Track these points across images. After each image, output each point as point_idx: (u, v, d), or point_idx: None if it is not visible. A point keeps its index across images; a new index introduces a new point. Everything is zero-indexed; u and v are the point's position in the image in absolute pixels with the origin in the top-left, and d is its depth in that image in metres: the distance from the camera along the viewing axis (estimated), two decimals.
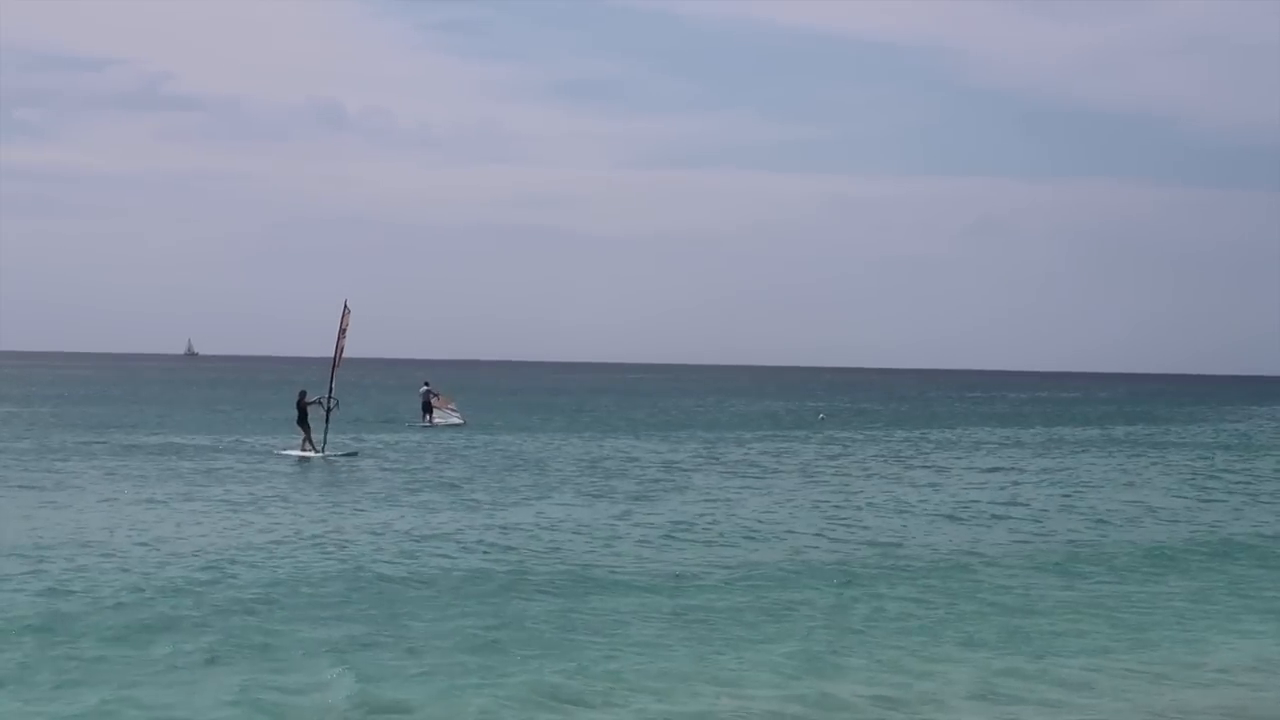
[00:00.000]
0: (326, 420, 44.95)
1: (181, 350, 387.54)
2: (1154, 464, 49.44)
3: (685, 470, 42.58)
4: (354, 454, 45.30)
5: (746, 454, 50.38)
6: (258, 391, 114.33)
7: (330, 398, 44.69)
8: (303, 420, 45.24)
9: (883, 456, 50.46)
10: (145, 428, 58.98)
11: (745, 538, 26.99)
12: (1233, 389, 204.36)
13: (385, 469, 40.92)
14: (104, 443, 49.17)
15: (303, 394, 45.58)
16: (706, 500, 33.70)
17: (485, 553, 24.35)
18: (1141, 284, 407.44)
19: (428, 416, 64.20)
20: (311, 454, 44.26)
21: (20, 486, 33.92)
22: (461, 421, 63.90)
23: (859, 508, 32.76)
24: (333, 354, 46.17)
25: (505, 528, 27.67)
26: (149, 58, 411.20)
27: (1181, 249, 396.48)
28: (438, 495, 33.60)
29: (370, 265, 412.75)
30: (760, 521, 29.56)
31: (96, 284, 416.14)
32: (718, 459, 47.65)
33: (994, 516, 31.57)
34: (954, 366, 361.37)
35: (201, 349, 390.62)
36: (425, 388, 67.44)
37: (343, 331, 45.57)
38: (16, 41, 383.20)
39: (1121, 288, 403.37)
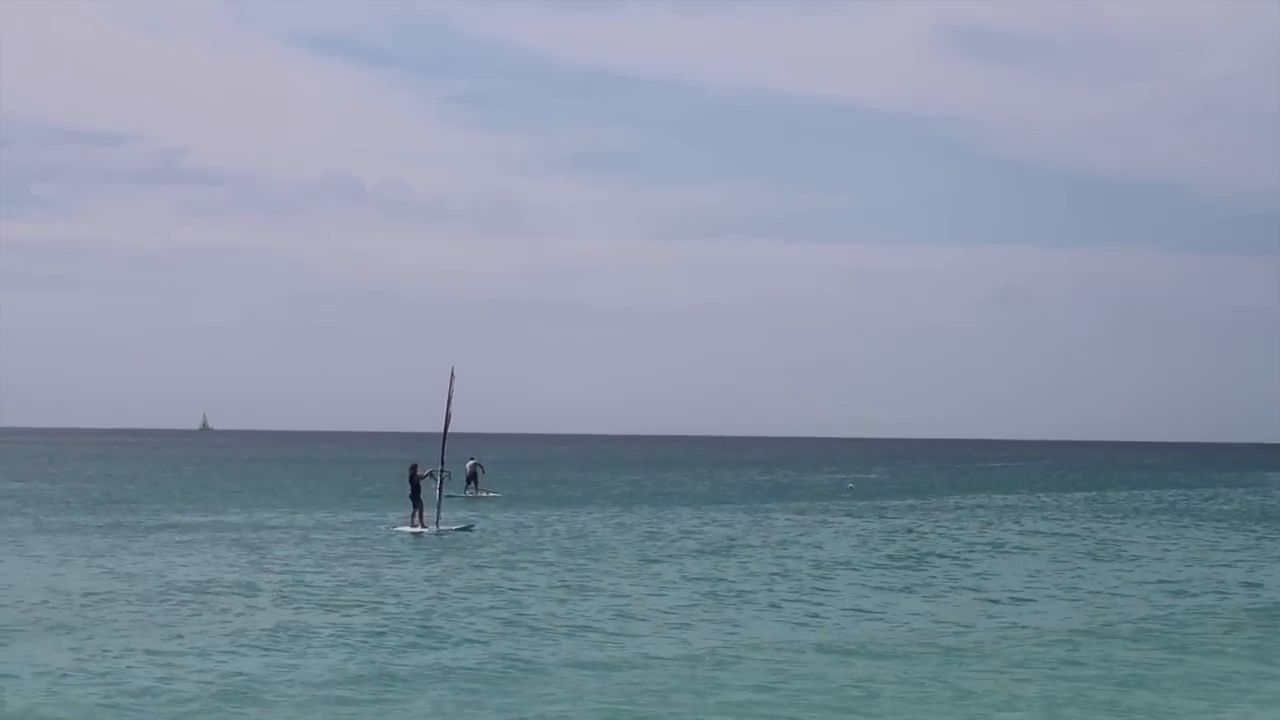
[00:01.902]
0: (440, 494, 44.35)
1: (196, 425, 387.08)
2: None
3: (790, 538, 41.99)
4: (469, 528, 44.60)
5: (792, 522, 49.72)
6: (320, 467, 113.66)
7: (443, 470, 44.16)
8: (415, 494, 44.49)
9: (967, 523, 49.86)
10: (237, 507, 57.54)
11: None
12: (1264, 456, 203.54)
13: (511, 543, 40.32)
14: (212, 522, 48.53)
15: (414, 467, 44.90)
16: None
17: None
18: (1161, 350, 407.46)
19: (471, 486, 66.06)
20: (423, 529, 43.57)
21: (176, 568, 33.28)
22: (497, 494, 65.67)
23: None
24: (442, 425, 45.53)
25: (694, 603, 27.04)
26: (166, 132, 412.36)
27: (1201, 315, 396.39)
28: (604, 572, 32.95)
29: (388, 339, 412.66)
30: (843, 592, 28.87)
31: (112, 359, 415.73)
32: (768, 524, 47.02)
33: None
34: (973, 436, 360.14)
35: (215, 424, 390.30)
36: (472, 461, 69.03)
37: (450, 401, 45.06)
38: (33, 117, 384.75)
39: (1142, 354, 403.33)
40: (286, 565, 33.57)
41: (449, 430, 45.06)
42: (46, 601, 26.74)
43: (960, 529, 48.29)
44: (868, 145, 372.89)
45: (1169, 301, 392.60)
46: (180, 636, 22.68)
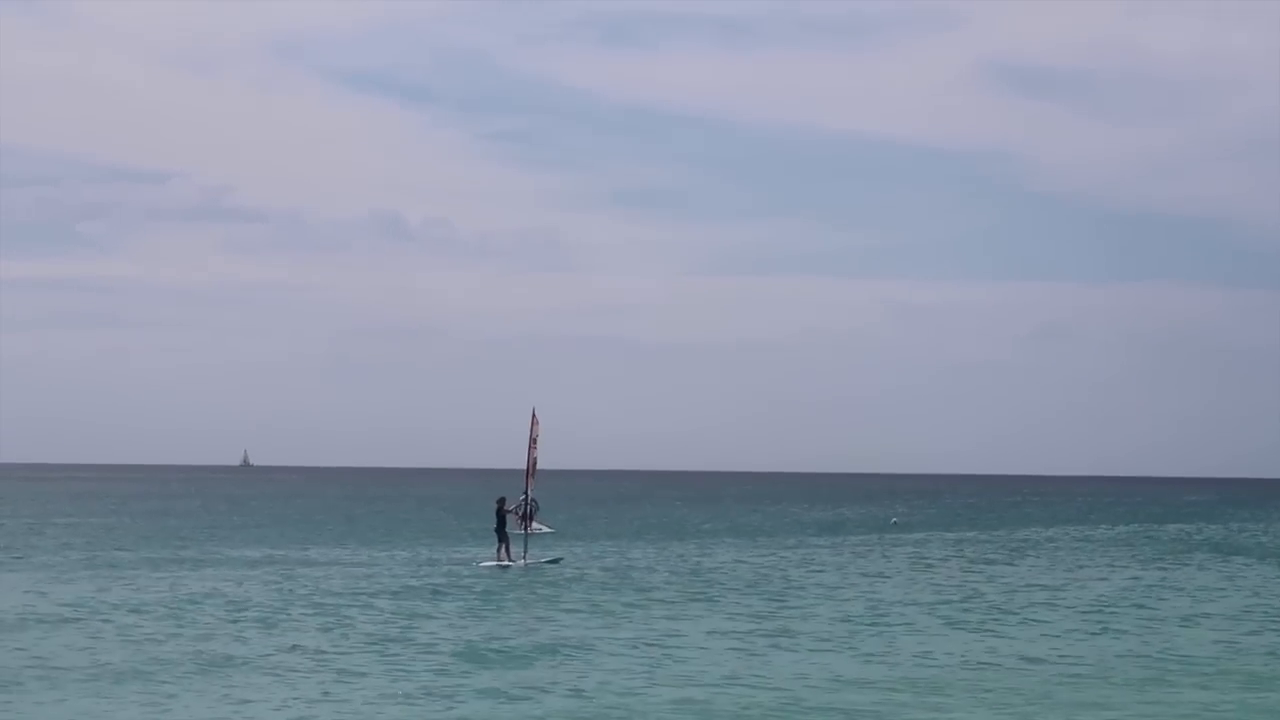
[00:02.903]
0: (526, 528, 45.26)
1: (237, 461, 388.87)
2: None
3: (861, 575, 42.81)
4: (558, 561, 45.45)
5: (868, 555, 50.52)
6: (383, 504, 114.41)
7: (529, 502, 45.05)
8: (501, 528, 45.42)
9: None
10: (320, 544, 58.11)
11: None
12: None
13: (602, 579, 41.26)
14: (292, 558, 49.53)
15: (502, 501, 45.85)
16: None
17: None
18: (1204, 386, 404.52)
19: (527, 525, 66.23)
20: (509, 562, 44.45)
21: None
22: (551, 529, 66.15)
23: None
24: (526, 463, 46.42)
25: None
26: (211, 170, 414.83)
27: (1241, 351, 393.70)
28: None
29: (431, 376, 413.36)
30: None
31: (155, 395, 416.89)
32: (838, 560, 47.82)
33: None
34: (1016, 472, 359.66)
35: (256, 460, 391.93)
36: (526, 496, 69.46)
37: (534, 441, 46.01)
38: (80, 155, 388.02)
39: (1183, 389, 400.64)
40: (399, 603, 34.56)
41: (534, 469, 45.98)
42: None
43: (998, 563, 49.06)
44: (909, 181, 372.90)
45: (1211, 336, 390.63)
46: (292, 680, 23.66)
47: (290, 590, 36.03)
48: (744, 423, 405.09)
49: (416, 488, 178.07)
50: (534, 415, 46.35)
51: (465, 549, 52.49)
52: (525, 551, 44.97)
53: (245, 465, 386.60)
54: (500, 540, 45.31)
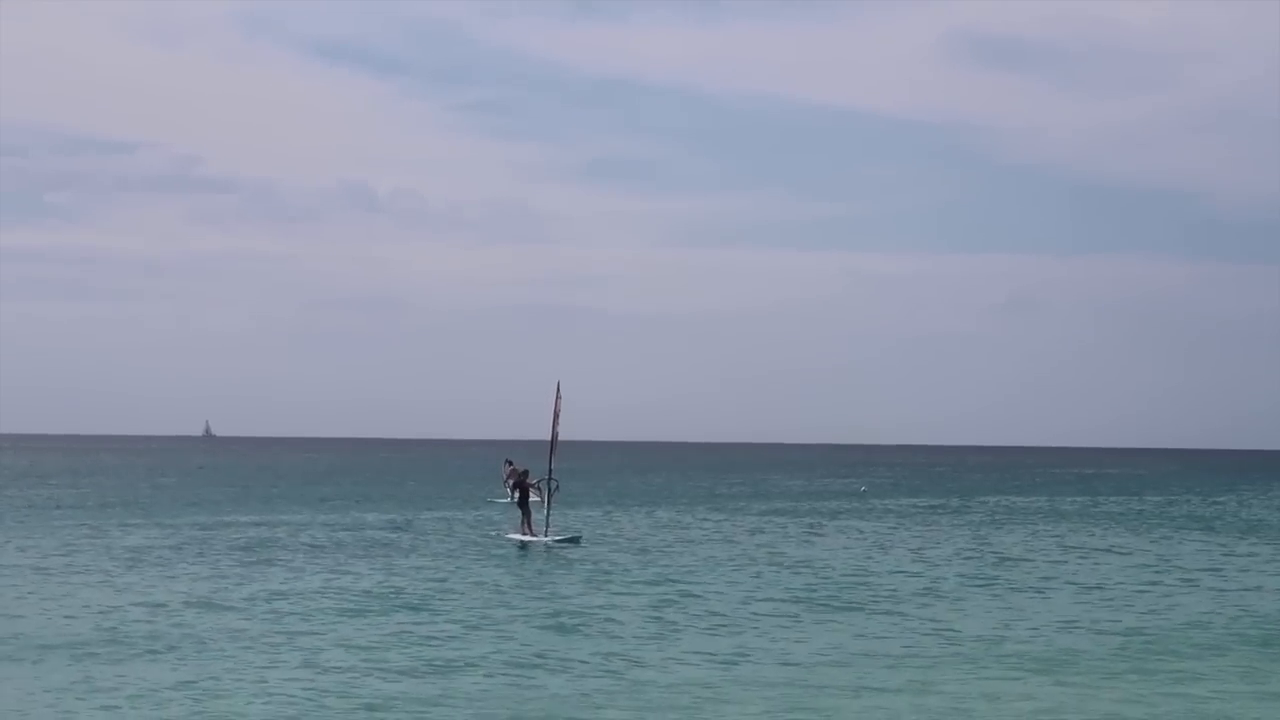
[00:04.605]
0: (548, 503, 44.80)
1: (199, 432, 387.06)
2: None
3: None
4: (577, 539, 44.97)
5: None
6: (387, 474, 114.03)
7: (552, 480, 44.54)
8: (524, 502, 45.01)
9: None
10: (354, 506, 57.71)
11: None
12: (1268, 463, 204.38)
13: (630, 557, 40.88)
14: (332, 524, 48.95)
15: (525, 474, 45.35)
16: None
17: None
18: (1173, 358, 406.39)
19: (516, 494, 66.14)
20: (531, 538, 44.00)
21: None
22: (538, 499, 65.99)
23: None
24: (549, 438, 45.83)
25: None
26: (180, 140, 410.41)
27: (1211, 322, 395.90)
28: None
29: (401, 346, 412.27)
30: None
31: (124, 365, 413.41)
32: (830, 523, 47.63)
33: None
34: (982, 443, 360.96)
35: (218, 430, 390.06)
36: (510, 465, 69.30)
37: (556, 415, 45.43)
38: (48, 124, 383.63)
39: (1151, 362, 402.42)
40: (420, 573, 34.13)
41: (556, 444, 45.41)
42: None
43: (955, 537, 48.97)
44: (879, 153, 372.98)
45: (1180, 308, 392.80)
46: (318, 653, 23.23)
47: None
48: (713, 393, 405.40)
49: (390, 457, 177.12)
50: (558, 390, 45.77)
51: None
52: (547, 529, 44.41)
53: (207, 435, 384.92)
54: (524, 514, 44.91)
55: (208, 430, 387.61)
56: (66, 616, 26.07)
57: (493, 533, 46.27)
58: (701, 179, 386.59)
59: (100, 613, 26.51)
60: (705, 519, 57.25)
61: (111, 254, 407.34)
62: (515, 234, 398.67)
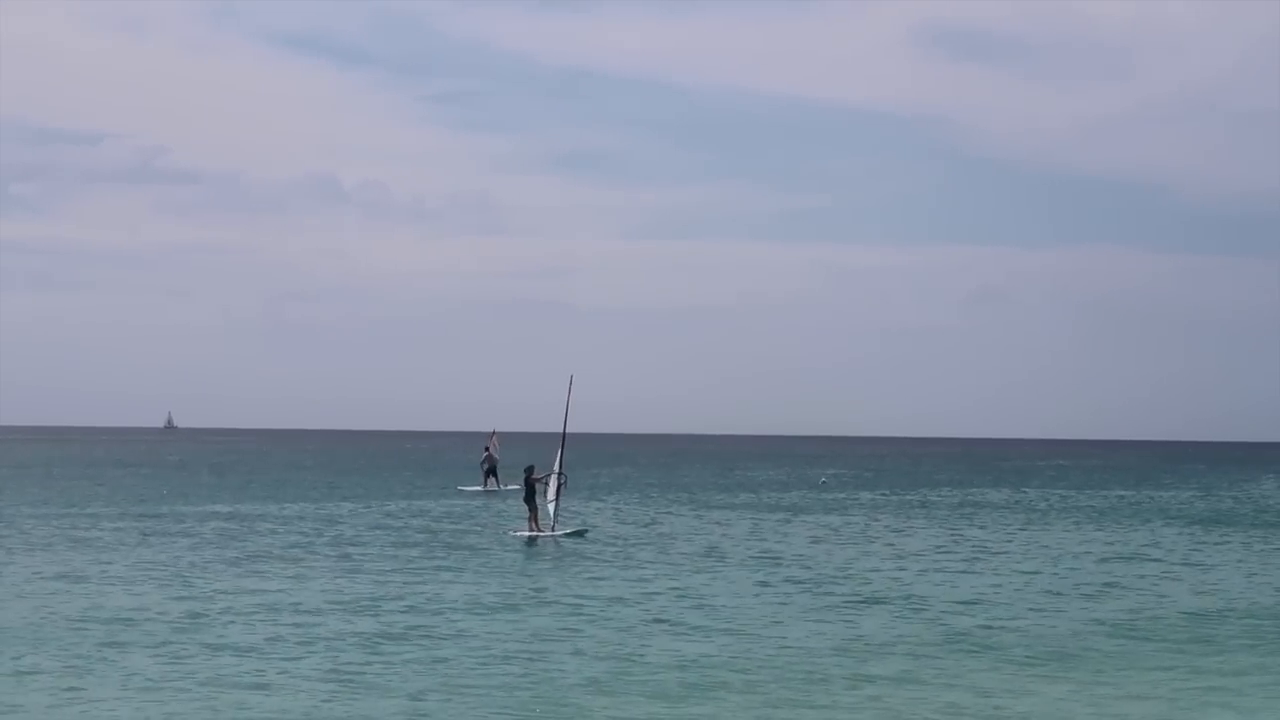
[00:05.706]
0: (557, 497, 43.51)
1: (161, 424, 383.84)
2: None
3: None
4: (583, 533, 43.74)
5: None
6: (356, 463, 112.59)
7: (560, 473, 43.27)
8: (530, 497, 43.74)
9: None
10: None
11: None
12: (1242, 454, 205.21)
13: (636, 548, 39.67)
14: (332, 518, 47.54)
15: (531, 469, 44.11)
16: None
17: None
18: (1144, 350, 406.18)
19: (492, 479, 66.97)
20: (538, 533, 42.77)
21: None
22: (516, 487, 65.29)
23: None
24: (543, 432, 44.54)
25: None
26: (145, 131, 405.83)
27: (1184, 315, 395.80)
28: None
29: (366, 338, 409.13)
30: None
31: (87, 357, 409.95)
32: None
33: None
34: (954, 435, 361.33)
35: (180, 422, 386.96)
36: (487, 453, 68.88)
37: (568, 408, 44.11)
38: (13, 116, 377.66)
39: (1124, 354, 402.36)
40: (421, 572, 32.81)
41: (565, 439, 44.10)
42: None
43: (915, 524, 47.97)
44: (848, 145, 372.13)
45: (1150, 301, 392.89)
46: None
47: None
48: (682, 386, 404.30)
49: (346, 448, 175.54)
50: (570, 381, 44.51)
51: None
52: (554, 524, 43.15)
53: (169, 427, 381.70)
54: (531, 509, 43.63)
55: (170, 422, 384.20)
56: (51, 612, 25.37)
57: (505, 530, 45.03)
58: (670, 171, 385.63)
59: (86, 609, 25.85)
60: (693, 512, 56.32)
61: (77, 245, 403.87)
62: (483, 226, 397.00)
